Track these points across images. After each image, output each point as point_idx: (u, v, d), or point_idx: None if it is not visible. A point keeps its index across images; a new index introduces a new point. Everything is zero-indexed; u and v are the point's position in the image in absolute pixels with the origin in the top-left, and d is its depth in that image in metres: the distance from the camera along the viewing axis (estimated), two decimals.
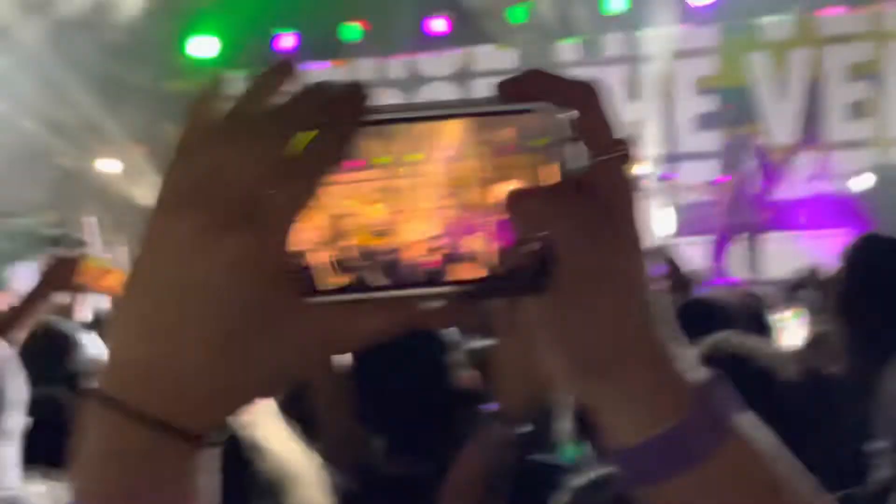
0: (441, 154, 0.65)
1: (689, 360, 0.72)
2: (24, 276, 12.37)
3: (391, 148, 0.64)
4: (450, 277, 0.66)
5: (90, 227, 5.13)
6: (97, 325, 4.50)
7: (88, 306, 4.81)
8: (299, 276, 0.64)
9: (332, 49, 15.64)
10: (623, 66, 14.80)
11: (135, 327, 0.64)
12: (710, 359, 2.09)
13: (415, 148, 0.65)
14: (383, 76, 15.65)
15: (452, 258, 0.66)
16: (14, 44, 14.17)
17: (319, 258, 0.65)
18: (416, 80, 15.50)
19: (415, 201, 0.65)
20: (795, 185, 13.42)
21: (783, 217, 12.53)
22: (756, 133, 12.42)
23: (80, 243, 3.81)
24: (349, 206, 0.66)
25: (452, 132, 0.64)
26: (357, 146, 0.63)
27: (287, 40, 15.73)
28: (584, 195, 0.66)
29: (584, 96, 0.67)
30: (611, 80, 14.64)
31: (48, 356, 3.31)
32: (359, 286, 0.65)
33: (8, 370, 2.28)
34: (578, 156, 0.66)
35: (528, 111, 0.64)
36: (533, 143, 0.65)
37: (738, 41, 14.38)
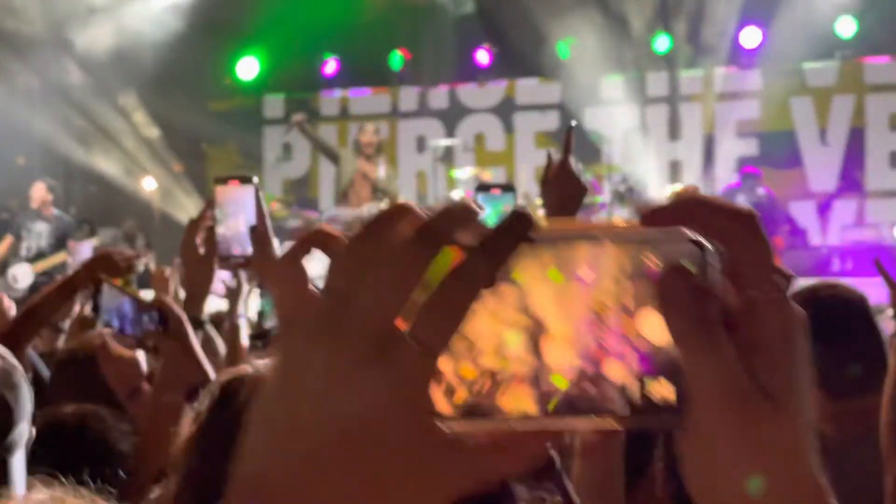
0: (583, 277, 0.60)
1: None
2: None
3: (533, 266, 0.60)
4: (591, 407, 0.60)
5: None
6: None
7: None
8: (439, 406, 0.59)
9: (374, 76, 15.76)
10: (665, 105, 14.80)
11: (268, 448, 0.60)
12: None
13: (558, 268, 0.60)
14: (424, 105, 15.72)
15: (593, 386, 0.60)
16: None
17: (460, 382, 0.60)
18: (457, 111, 15.57)
19: (557, 325, 0.60)
20: (834, 232, 13.32)
21: (821, 264, 12.45)
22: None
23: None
24: (490, 326, 0.60)
25: (596, 255, 0.60)
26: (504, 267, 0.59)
27: (330, 65, 15.85)
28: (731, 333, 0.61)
29: (743, 229, 0.61)
30: (652, 118, 14.64)
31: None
32: (502, 415, 0.60)
33: (14, 383, 2.25)
34: (726, 288, 0.61)
35: (689, 242, 0.59)
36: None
37: (781, 85, 14.35)
